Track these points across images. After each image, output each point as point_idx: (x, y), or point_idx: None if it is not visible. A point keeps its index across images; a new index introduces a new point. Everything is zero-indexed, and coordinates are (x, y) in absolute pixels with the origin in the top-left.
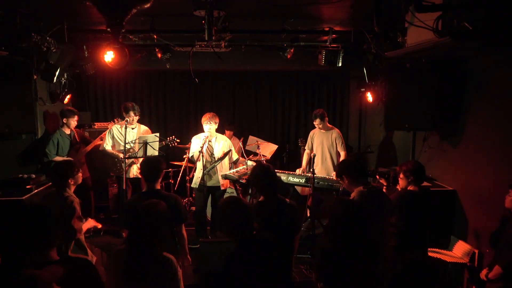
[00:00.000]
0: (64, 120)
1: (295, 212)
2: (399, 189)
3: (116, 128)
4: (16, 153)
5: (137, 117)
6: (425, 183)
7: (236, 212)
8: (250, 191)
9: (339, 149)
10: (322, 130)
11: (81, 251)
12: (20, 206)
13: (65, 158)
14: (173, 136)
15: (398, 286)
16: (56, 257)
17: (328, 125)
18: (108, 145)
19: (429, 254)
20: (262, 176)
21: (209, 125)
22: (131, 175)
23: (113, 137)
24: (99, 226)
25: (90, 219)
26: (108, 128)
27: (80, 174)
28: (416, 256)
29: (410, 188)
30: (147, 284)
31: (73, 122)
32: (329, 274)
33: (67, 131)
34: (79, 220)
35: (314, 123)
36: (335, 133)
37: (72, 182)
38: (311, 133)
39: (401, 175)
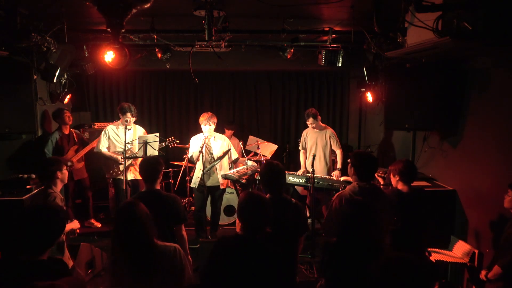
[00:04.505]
0: (58, 121)
1: (300, 212)
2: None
3: (111, 129)
4: (16, 153)
5: (134, 118)
6: (424, 183)
7: (256, 209)
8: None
9: (334, 148)
10: (315, 130)
11: (59, 252)
12: (32, 206)
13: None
14: (173, 137)
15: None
16: (45, 257)
17: (321, 124)
18: (103, 147)
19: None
20: (270, 174)
21: (209, 126)
22: (129, 177)
23: (108, 138)
24: (98, 224)
25: (75, 220)
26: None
27: (66, 172)
28: (399, 255)
29: (399, 187)
30: (157, 278)
31: (67, 118)
32: (331, 269)
33: (66, 131)
34: None
35: (307, 122)
36: (329, 132)
37: (60, 177)
38: (304, 133)
39: (391, 174)
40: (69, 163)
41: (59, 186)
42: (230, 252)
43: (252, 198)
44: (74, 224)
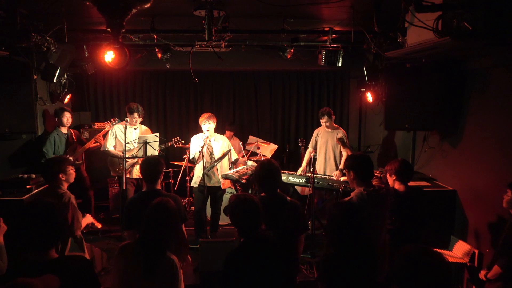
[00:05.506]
0: (57, 119)
1: (296, 211)
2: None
3: (118, 128)
4: (16, 153)
5: (141, 119)
6: (423, 183)
7: (247, 210)
8: (250, 191)
9: (342, 149)
10: (328, 129)
11: (79, 249)
12: (28, 203)
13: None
14: (177, 137)
15: (398, 277)
16: (55, 255)
17: (334, 124)
18: (110, 145)
19: None
20: (262, 172)
21: (208, 125)
22: (135, 175)
23: (115, 137)
24: (98, 225)
25: (88, 214)
26: (104, 129)
27: (72, 171)
28: (413, 247)
29: (395, 187)
30: (155, 283)
31: (65, 119)
32: (332, 279)
33: (64, 131)
34: (79, 216)
35: (321, 121)
36: (340, 132)
37: (64, 178)
38: (315, 132)
39: (387, 174)
40: (77, 161)
41: (66, 185)
42: (246, 263)
43: (241, 201)
44: (87, 219)
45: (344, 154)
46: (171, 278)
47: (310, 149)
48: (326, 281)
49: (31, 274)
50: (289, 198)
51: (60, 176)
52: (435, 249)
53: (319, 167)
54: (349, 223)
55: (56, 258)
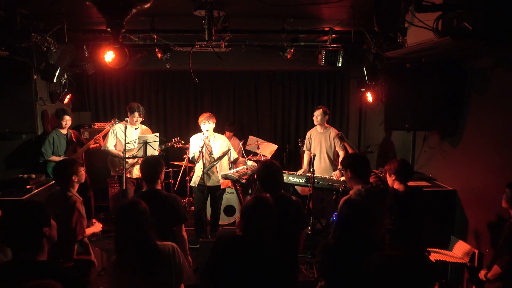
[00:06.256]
0: (57, 121)
1: (300, 209)
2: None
3: (119, 128)
4: (16, 153)
5: (141, 118)
6: (423, 183)
7: (258, 212)
8: (250, 191)
9: (337, 149)
10: (319, 130)
11: (85, 253)
12: (7, 206)
13: (62, 158)
14: (178, 138)
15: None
16: (43, 258)
17: (326, 124)
18: (111, 145)
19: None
20: (265, 173)
21: (208, 125)
22: (135, 175)
23: (116, 137)
24: (99, 225)
25: (97, 222)
26: (105, 129)
27: (83, 172)
28: (393, 253)
29: (395, 186)
30: (158, 278)
31: (64, 122)
32: (331, 270)
33: (63, 131)
34: (82, 221)
35: (315, 113)
36: (333, 132)
37: (76, 180)
38: (308, 134)
39: (387, 174)
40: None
41: (76, 187)
42: (229, 253)
43: (258, 201)
44: (95, 228)
45: (341, 154)
46: (170, 267)
47: (306, 151)
48: (324, 272)
49: (15, 275)
50: (294, 197)
51: (73, 178)
52: (434, 249)
53: (315, 168)
54: (354, 220)
55: (42, 261)
